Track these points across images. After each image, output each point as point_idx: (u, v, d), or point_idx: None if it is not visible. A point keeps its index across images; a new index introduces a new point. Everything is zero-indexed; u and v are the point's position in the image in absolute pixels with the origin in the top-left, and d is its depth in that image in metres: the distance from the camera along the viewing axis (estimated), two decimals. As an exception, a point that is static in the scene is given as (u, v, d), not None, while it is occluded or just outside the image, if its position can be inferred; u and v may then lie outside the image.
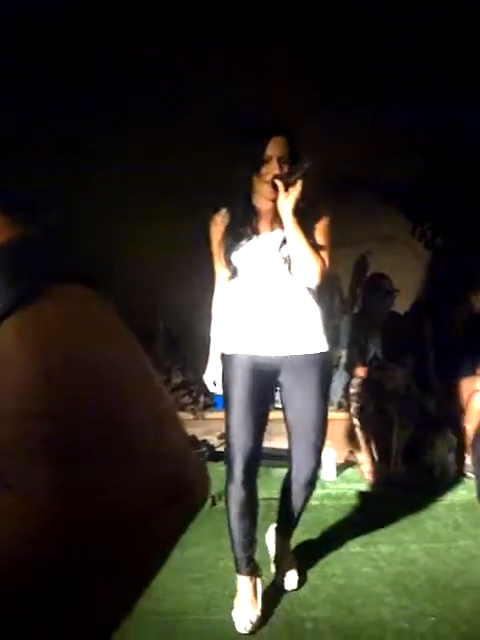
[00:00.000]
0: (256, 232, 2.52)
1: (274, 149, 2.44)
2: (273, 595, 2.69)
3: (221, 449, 4.10)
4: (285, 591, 2.75)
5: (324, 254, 2.48)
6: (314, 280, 2.46)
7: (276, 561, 2.82)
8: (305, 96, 4.23)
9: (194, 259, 4.72)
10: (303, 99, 4.19)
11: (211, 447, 4.09)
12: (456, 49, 4.26)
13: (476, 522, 3.47)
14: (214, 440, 4.16)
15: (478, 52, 4.13)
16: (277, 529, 2.83)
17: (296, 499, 2.68)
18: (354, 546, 3.05)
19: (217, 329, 2.73)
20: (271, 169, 2.43)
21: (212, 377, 2.75)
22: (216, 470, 3.97)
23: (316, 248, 2.45)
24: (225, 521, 3.33)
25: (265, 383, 2.55)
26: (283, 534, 2.82)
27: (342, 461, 3.97)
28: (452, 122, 4.44)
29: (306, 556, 3.06)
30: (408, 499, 3.72)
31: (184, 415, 4.22)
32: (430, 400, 4.18)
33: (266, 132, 2.47)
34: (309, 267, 2.43)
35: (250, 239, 2.51)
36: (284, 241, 2.47)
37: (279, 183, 2.40)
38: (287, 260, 2.47)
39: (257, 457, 2.54)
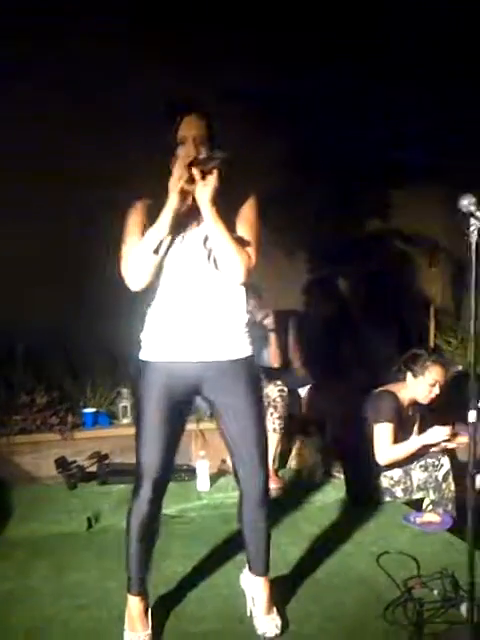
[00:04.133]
0: (182, 225, 2.31)
1: (188, 129, 2.27)
2: (160, 612, 2.65)
3: (92, 469, 4.01)
4: (172, 608, 2.72)
5: (251, 249, 2.31)
6: (239, 277, 2.29)
7: (255, 606, 2.59)
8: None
9: (54, 277, 4.59)
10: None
11: (81, 468, 3.98)
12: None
13: (347, 520, 3.62)
14: (85, 461, 4.05)
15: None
16: (250, 569, 2.61)
17: (256, 523, 2.52)
18: (235, 555, 3.08)
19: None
20: (188, 151, 2.25)
21: None
22: (88, 491, 3.88)
23: (241, 242, 2.28)
24: (105, 543, 3.27)
25: (183, 394, 2.39)
26: (258, 572, 2.59)
27: (215, 471, 3.99)
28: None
29: (188, 569, 3.06)
30: (281, 503, 3.80)
31: (52, 436, 4.08)
32: (296, 403, 4.32)
33: (179, 110, 2.29)
34: (233, 262, 2.26)
35: (175, 231, 2.29)
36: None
37: (195, 171, 2.20)
38: (211, 255, 2.30)
39: (167, 474, 2.42)
